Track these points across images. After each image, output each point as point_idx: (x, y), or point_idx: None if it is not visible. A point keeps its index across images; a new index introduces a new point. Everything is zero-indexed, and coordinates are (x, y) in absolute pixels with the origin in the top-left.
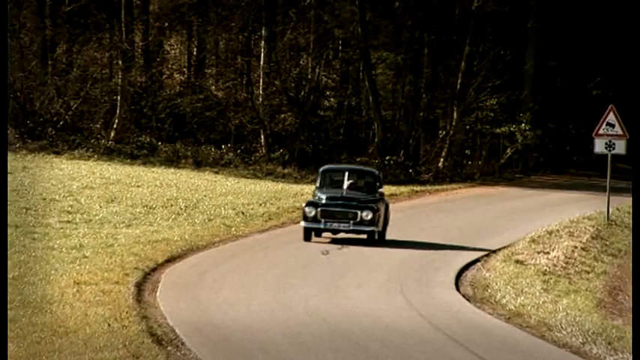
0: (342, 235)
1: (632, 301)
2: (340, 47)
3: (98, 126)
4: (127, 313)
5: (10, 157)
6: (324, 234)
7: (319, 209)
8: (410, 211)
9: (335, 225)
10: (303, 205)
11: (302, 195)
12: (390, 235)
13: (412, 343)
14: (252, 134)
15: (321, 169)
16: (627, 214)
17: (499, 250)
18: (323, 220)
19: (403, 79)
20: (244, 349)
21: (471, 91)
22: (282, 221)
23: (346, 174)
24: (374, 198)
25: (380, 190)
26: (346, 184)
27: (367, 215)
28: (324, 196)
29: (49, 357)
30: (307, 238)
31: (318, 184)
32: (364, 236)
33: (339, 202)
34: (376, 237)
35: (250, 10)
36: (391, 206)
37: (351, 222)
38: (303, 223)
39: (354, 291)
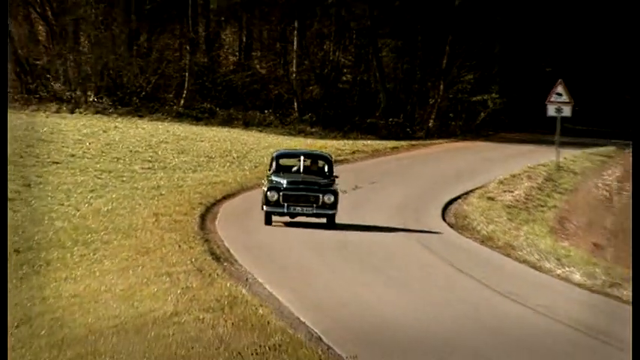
0: (300, 219)
1: (632, 300)
2: (354, 36)
3: (171, 96)
4: (193, 237)
5: (104, 119)
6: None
7: (282, 193)
8: (407, 160)
9: (298, 209)
10: (264, 190)
11: (325, 147)
12: (391, 181)
13: (407, 259)
14: (287, 102)
15: (274, 154)
16: (572, 162)
17: (475, 189)
18: (286, 205)
19: (402, 60)
20: (275, 255)
21: (454, 68)
22: None
23: (302, 158)
24: (331, 182)
25: (334, 174)
26: (302, 168)
27: (329, 199)
28: (283, 181)
29: (134, 271)
30: (268, 222)
31: (273, 169)
32: (324, 220)
33: (301, 185)
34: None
35: (286, 7)
36: (395, 156)
37: (314, 205)
38: (265, 208)
39: (367, 218)
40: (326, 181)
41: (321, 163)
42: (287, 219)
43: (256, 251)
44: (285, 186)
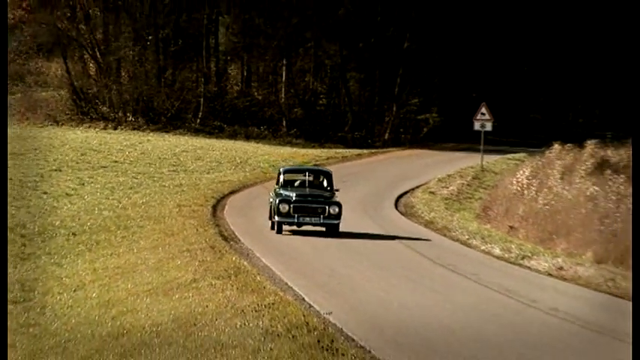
0: (305, 227)
1: (632, 301)
2: (328, 70)
3: (190, 116)
4: (207, 222)
5: (139, 134)
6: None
7: (292, 205)
8: (368, 164)
9: (307, 219)
10: (276, 202)
11: (306, 155)
12: (356, 180)
13: (369, 238)
14: (277, 120)
15: (281, 170)
16: (493, 165)
17: (420, 186)
18: (296, 215)
19: (365, 88)
20: (270, 237)
21: (404, 95)
22: None
23: (307, 174)
24: (332, 194)
25: (334, 187)
26: (308, 183)
27: (334, 210)
28: (292, 194)
29: (163, 248)
30: (279, 231)
31: (280, 183)
32: (323, 229)
33: (309, 198)
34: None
35: (276, 48)
36: (359, 161)
37: (321, 216)
38: (277, 218)
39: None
40: (329, 194)
41: (322, 177)
42: (294, 228)
43: (256, 234)
44: (294, 198)
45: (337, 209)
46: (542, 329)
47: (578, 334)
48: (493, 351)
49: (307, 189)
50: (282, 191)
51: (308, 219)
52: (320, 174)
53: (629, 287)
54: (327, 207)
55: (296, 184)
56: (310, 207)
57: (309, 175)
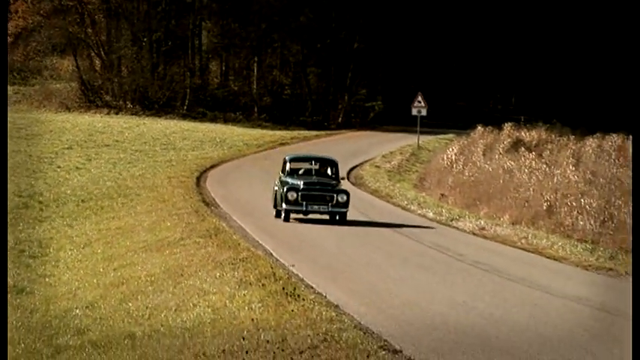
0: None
1: (631, 301)
2: (292, 66)
3: (178, 104)
4: (192, 191)
5: (137, 119)
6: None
7: (300, 193)
8: (325, 143)
9: (315, 207)
10: (283, 190)
11: (274, 136)
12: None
13: None
14: (250, 107)
15: (287, 158)
16: (427, 144)
17: (367, 161)
18: (304, 203)
19: (322, 81)
20: (245, 203)
21: (354, 86)
22: (265, 148)
23: (313, 162)
24: (339, 182)
25: (340, 176)
26: (314, 171)
27: (343, 198)
28: (300, 182)
29: (156, 212)
30: (287, 219)
31: (286, 171)
32: (327, 217)
33: (317, 186)
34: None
35: (249, 48)
36: (317, 140)
37: (330, 204)
38: (285, 206)
39: None
40: (336, 182)
41: (329, 166)
42: (300, 216)
43: (232, 200)
44: (302, 186)
45: (345, 197)
46: (467, 278)
47: (493, 280)
48: (425, 294)
49: (314, 177)
50: (289, 179)
51: (316, 207)
52: (326, 162)
53: (537, 243)
54: (335, 195)
55: (300, 172)
56: (318, 195)
57: (315, 164)
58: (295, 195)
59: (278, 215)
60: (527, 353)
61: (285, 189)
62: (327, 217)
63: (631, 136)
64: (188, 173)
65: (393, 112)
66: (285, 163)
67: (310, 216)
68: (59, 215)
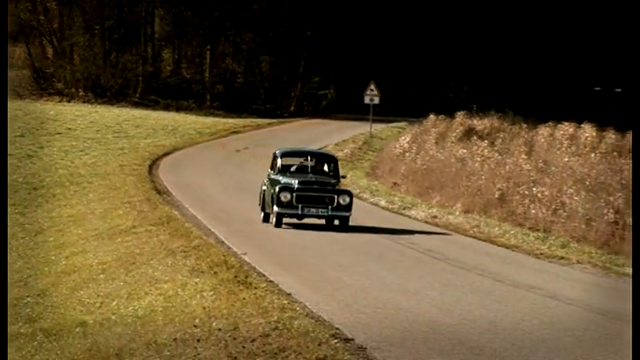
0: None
1: (632, 301)
2: (245, 54)
3: (131, 91)
4: (144, 179)
5: (89, 106)
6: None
7: (295, 194)
8: (278, 131)
9: (312, 210)
10: (274, 190)
11: (226, 124)
12: (269, 143)
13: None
14: (203, 95)
15: (278, 152)
16: (380, 132)
17: (319, 149)
18: (300, 206)
19: (275, 69)
20: (197, 191)
21: (307, 74)
22: (218, 136)
23: (309, 157)
24: (338, 181)
25: (340, 174)
26: (310, 168)
27: (345, 200)
28: (294, 181)
29: (108, 200)
30: (279, 224)
31: (277, 168)
32: (322, 222)
33: (315, 186)
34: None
35: (202, 36)
36: (270, 128)
37: (329, 207)
38: (276, 209)
39: (252, 170)
40: (335, 180)
41: (327, 162)
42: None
43: (185, 188)
44: (297, 186)
45: (348, 199)
46: (418, 266)
47: (445, 269)
48: (377, 282)
49: (310, 175)
50: (280, 177)
51: (314, 210)
52: (323, 157)
53: (489, 231)
54: (335, 196)
55: (292, 169)
56: (316, 196)
57: (310, 159)
58: (289, 196)
59: (266, 219)
60: (478, 342)
61: (276, 189)
62: (322, 221)
63: (631, 135)
64: (140, 161)
65: (346, 101)
66: (275, 158)
67: (305, 221)
68: (11, 203)
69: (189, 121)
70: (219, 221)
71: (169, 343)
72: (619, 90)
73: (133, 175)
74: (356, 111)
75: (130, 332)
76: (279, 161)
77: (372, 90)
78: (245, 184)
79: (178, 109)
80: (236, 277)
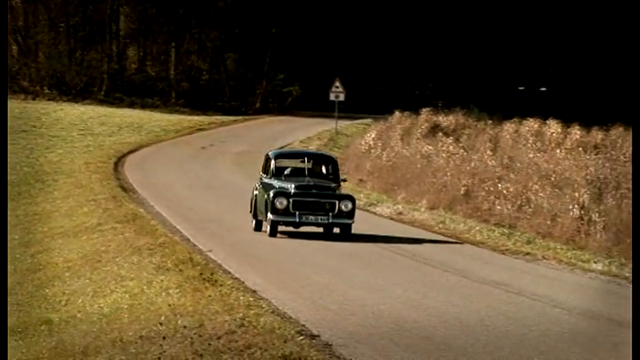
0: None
1: (632, 298)
2: (210, 51)
3: (96, 89)
4: (109, 177)
5: (54, 104)
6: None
7: (292, 200)
8: (243, 129)
9: (312, 218)
10: (268, 196)
11: (192, 121)
12: (233, 140)
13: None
14: (168, 93)
15: (271, 154)
16: (345, 129)
17: (285, 146)
18: (297, 213)
19: (240, 66)
20: (162, 189)
21: (272, 72)
22: (183, 133)
23: (306, 159)
24: (339, 186)
25: (340, 177)
26: (307, 171)
27: (347, 206)
28: (289, 185)
29: (74, 197)
30: (273, 233)
31: (271, 171)
32: (321, 230)
33: (314, 191)
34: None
35: (167, 33)
36: (235, 126)
37: (330, 214)
38: (271, 216)
39: (217, 168)
40: (335, 184)
41: (325, 164)
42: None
43: (150, 186)
44: (294, 191)
45: (351, 205)
46: (385, 263)
47: (411, 265)
48: (343, 279)
49: (307, 178)
50: (274, 181)
51: (313, 218)
52: (321, 159)
53: (455, 228)
54: (337, 202)
55: (286, 172)
56: (315, 202)
57: (307, 161)
58: (285, 202)
59: (258, 228)
60: (444, 337)
61: (270, 194)
62: (321, 229)
63: (631, 132)
64: (105, 159)
65: (311, 98)
66: (267, 160)
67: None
68: None
69: (154, 119)
70: (184, 219)
71: (135, 341)
72: (544, 89)
73: (98, 172)
74: (321, 108)
75: (96, 330)
76: (272, 163)
77: (337, 87)
78: (211, 181)
79: (143, 107)
80: (201, 274)
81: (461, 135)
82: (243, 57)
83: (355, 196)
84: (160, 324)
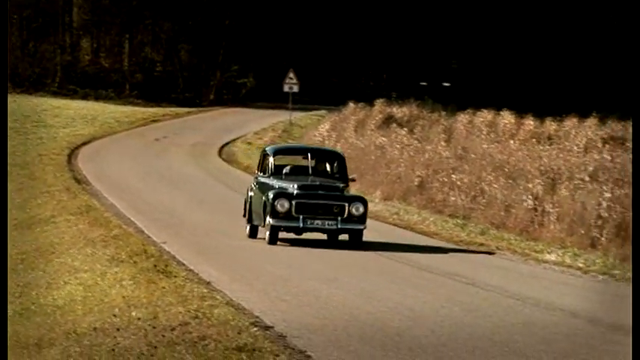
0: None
1: (632, 299)
2: (164, 42)
3: (49, 80)
4: (63, 168)
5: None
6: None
7: (295, 202)
8: (197, 120)
9: (318, 223)
10: (266, 197)
11: (145, 112)
12: (187, 132)
13: (197, 181)
14: (122, 84)
15: (268, 150)
16: (300, 120)
17: (239, 137)
18: (301, 217)
19: (193, 57)
20: (116, 180)
21: (226, 63)
22: (137, 125)
23: (309, 155)
24: (347, 185)
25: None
26: (311, 169)
27: (358, 209)
28: (292, 185)
29: (27, 189)
30: (273, 240)
31: (269, 169)
32: (325, 236)
33: (320, 192)
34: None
35: (120, 24)
36: (189, 117)
37: (339, 219)
38: (271, 221)
39: (171, 159)
40: (343, 184)
41: (330, 161)
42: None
43: (104, 178)
44: (297, 192)
45: (362, 209)
46: (338, 254)
47: (365, 256)
48: (296, 270)
49: (311, 177)
50: (274, 181)
51: (319, 222)
52: (326, 155)
53: (409, 219)
54: (346, 204)
55: (285, 170)
56: (322, 204)
57: (311, 158)
58: (287, 205)
59: (254, 234)
60: (398, 328)
61: (270, 196)
62: (324, 236)
63: (631, 128)
64: (59, 151)
65: (265, 89)
66: (265, 156)
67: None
68: None
69: (108, 111)
70: (138, 211)
71: (89, 333)
72: (447, 84)
73: (51, 164)
74: (275, 99)
75: (50, 322)
76: (270, 160)
77: (291, 78)
78: (164, 172)
79: (97, 98)
80: (155, 266)
81: (415, 126)
82: (196, 48)
83: None
84: (114, 316)
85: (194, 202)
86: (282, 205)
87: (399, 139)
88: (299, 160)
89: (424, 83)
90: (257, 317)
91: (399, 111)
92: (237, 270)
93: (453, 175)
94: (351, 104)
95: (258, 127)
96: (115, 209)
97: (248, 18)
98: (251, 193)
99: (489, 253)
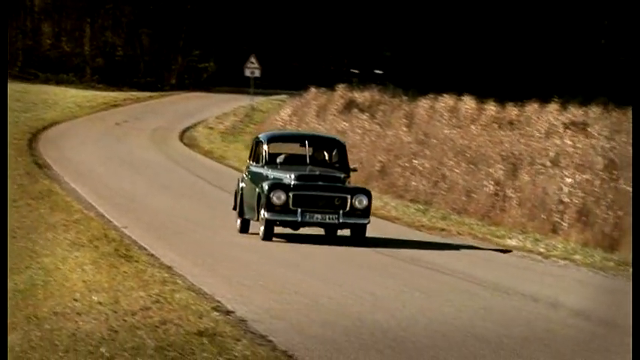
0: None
1: (632, 299)
2: (125, 26)
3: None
4: (24, 153)
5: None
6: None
7: (292, 194)
8: (158, 105)
9: (317, 217)
10: (261, 189)
11: (107, 97)
12: (148, 117)
13: (159, 165)
14: (83, 68)
15: (262, 137)
16: (261, 105)
17: (200, 122)
18: (299, 211)
19: (155, 42)
20: (77, 165)
21: (187, 47)
22: (98, 109)
23: (307, 143)
24: (348, 176)
25: (350, 166)
26: (308, 158)
27: (361, 202)
28: (289, 176)
29: None
30: (269, 236)
31: (263, 158)
32: (344, 232)
33: (320, 182)
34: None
35: (81, 9)
36: (150, 102)
37: (340, 212)
38: (267, 215)
39: (132, 144)
40: (345, 175)
41: (330, 149)
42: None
43: (65, 163)
44: (294, 183)
45: (366, 201)
46: (299, 237)
47: (326, 242)
48: (258, 255)
49: (310, 167)
50: (268, 171)
51: (318, 216)
52: (325, 143)
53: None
54: (348, 197)
55: (280, 159)
56: (322, 196)
57: (308, 146)
58: (284, 197)
59: (245, 229)
60: (359, 313)
61: (265, 187)
62: (322, 230)
63: (631, 133)
64: (20, 135)
65: (227, 74)
66: (258, 144)
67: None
68: None
69: (69, 95)
70: (99, 195)
71: (50, 317)
72: (379, 72)
73: (12, 149)
74: (237, 84)
75: (11, 306)
76: (264, 149)
77: (252, 63)
78: (125, 157)
79: (58, 83)
80: (117, 250)
81: (376, 111)
82: (158, 33)
83: None
84: (75, 300)
85: (155, 187)
86: (279, 198)
87: (360, 124)
88: (296, 149)
89: (356, 71)
90: (218, 302)
91: (360, 96)
92: (199, 255)
93: (414, 161)
94: (313, 89)
95: (219, 111)
96: (76, 194)
97: (209, 2)
98: (242, 184)
99: (449, 238)
